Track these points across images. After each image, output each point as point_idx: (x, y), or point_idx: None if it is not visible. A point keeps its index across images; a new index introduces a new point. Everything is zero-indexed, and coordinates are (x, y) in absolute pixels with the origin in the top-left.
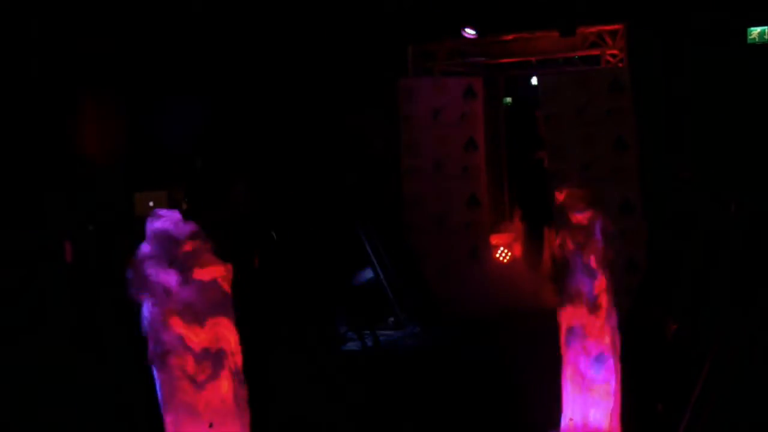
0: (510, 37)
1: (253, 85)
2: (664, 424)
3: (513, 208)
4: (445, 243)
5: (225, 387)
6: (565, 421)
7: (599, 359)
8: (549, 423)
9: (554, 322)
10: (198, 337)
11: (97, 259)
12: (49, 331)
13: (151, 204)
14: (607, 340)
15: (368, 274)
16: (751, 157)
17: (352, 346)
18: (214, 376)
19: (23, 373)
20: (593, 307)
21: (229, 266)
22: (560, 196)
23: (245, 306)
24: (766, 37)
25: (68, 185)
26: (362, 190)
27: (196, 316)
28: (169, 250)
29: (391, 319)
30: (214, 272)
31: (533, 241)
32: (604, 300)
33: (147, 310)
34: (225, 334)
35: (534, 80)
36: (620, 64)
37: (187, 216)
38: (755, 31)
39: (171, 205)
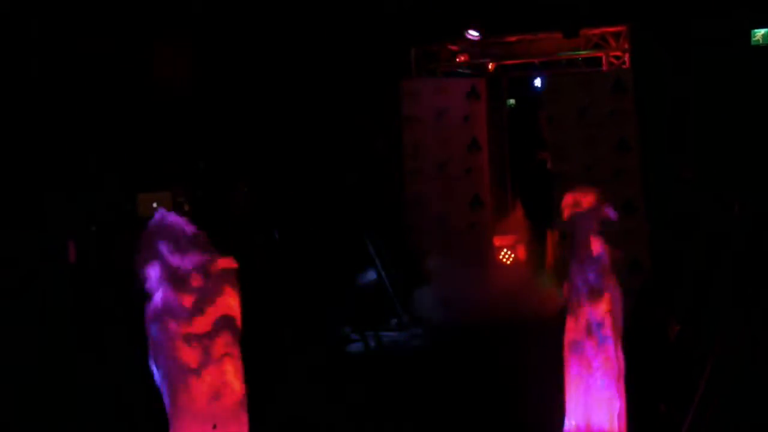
0: (513, 38)
1: (255, 87)
2: (667, 424)
3: (515, 208)
4: (448, 244)
5: (221, 344)
6: (568, 423)
7: (602, 366)
8: (551, 425)
9: (557, 324)
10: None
11: (99, 260)
12: (49, 331)
13: (154, 205)
14: (610, 353)
15: (371, 275)
16: (753, 159)
17: (355, 347)
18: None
19: (23, 373)
20: (597, 326)
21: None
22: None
23: (246, 306)
24: None
25: (70, 186)
26: (364, 191)
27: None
28: (176, 241)
29: (394, 320)
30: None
31: (536, 242)
32: (608, 320)
33: (153, 272)
34: (228, 301)
35: (537, 82)
36: (623, 66)
37: (190, 217)
38: (759, 33)
39: (174, 207)
